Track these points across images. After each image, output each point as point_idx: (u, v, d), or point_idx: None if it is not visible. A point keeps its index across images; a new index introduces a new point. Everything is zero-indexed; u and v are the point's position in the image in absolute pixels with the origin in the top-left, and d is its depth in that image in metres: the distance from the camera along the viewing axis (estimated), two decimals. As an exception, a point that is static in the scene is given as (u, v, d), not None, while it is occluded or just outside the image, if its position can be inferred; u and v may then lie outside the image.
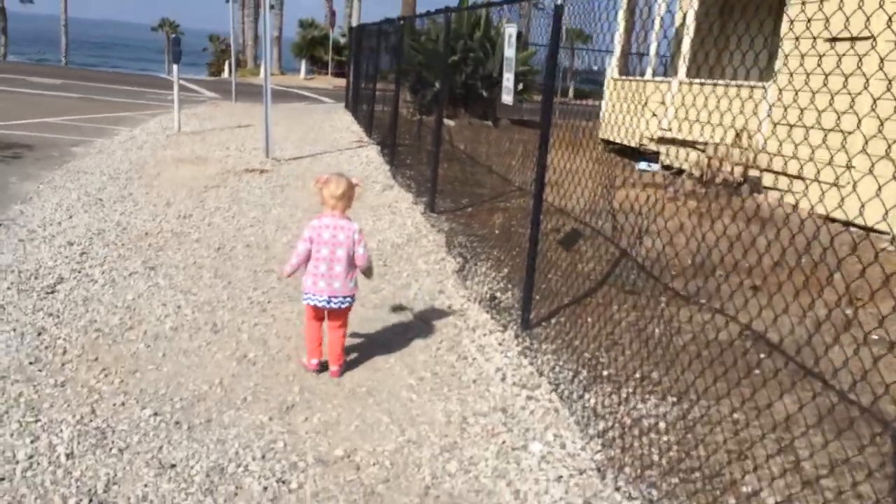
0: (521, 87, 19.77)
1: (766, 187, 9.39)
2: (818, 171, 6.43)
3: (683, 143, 11.15)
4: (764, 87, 9.78)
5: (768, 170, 9.22)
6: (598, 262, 6.28)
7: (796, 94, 7.70)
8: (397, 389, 3.96)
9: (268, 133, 10.79)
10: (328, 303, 3.90)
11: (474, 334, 4.75)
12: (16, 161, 9.83)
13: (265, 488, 3.01)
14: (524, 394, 3.95)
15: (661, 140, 12.14)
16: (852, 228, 6.93)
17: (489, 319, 5.01)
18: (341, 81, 31.11)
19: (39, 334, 4.43)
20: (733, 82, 9.89)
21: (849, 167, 7.28)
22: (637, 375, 4.20)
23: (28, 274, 5.48)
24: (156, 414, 3.56)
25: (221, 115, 16.59)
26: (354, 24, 33.17)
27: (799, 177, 8.02)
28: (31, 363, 4.05)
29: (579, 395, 3.95)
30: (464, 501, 3.01)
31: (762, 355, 4.54)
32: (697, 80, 10.97)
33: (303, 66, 39.90)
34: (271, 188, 8.86)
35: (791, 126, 7.75)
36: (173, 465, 3.14)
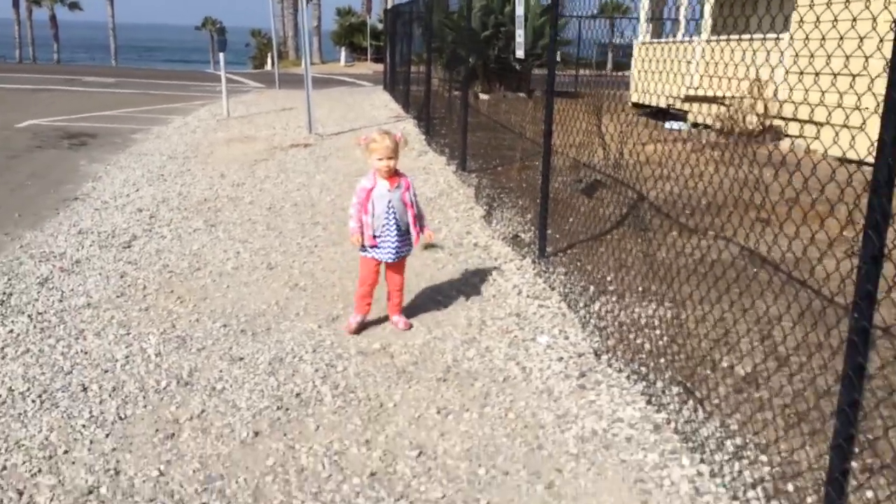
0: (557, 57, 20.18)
1: (787, 135, 9.75)
2: (829, 115, 6.82)
3: (709, 100, 11.52)
4: (779, 38, 10.08)
5: (786, 118, 9.58)
6: (616, 207, 6.80)
7: (805, 39, 8.02)
8: (426, 303, 4.60)
9: (310, 111, 11.50)
10: None
11: (496, 262, 5.37)
12: (83, 147, 10.73)
13: (316, 370, 3.68)
14: (536, 303, 4.56)
15: (689, 98, 12.50)
16: (865, 168, 7.29)
17: (510, 252, 5.61)
18: (381, 66, 31.78)
19: (122, 276, 5.18)
20: (752, 36, 10.25)
21: (857, 108, 7.62)
22: (640, 289, 4.75)
23: (106, 234, 6.26)
24: (225, 325, 4.26)
25: (266, 101, 17.42)
26: (390, 6, 33.76)
27: (811, 121, 8.37)
28: (117, 297, 4.79)
29: (585, 304, 4.53)
30: (479, 375, 3.64)
31: (755, 269, 5.05)
32: (719, 38, 11.32)
33: (342, 53, 40.72)
34: (315, 159, 9.57)
35: (801, 73, 8.09)
36: (241, 358, 3.83)
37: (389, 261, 4.08)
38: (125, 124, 13.26)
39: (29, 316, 4.46)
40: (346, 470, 2.88)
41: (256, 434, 3.13)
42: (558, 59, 19.24)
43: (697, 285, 4.55)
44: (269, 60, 38.63)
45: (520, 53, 5.95)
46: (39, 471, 2.89)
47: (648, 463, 2.90)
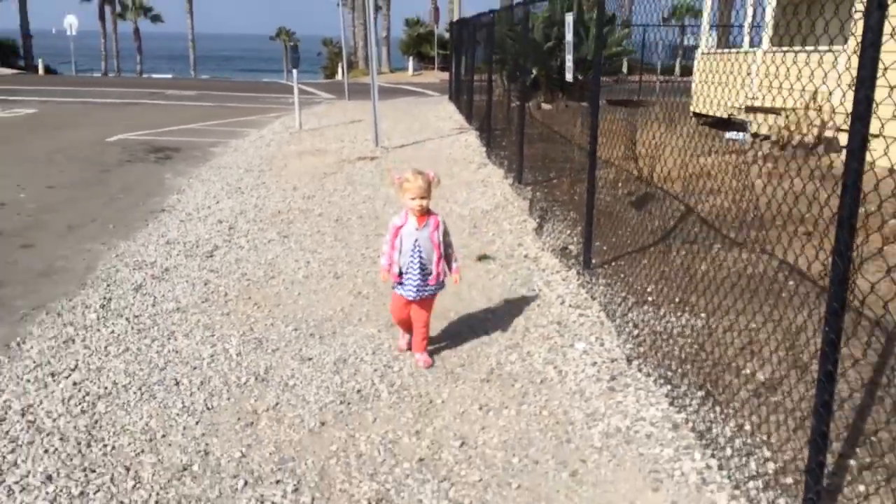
0: (625, 68, 20.51)
1: (843, 147, 9.83)
2: (882, 127, 6.98)
3: (769, 111, 11.63)
4: (839, 50, 10.15)
5: (844, 129, 9.67)
6: (664, 219, 7.11)
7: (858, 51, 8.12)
8: (475, 311, 5.04)
9: (376, 125, 12.09)
10: None
11: (543, 273, 5.77)
12: (168, 161, 11.56)
13: (375, 370, 4.17)
14: (577, 312, 4.94)
15: (749, 109, 12.60)
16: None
17: (558, 263, 6.01)
18: (447, 75, 32.37)
19: (206, 284, 5.78)
20: (810, 48, 10.35)
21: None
22: (677, 300, 5.08)
23: (191, 244, 6.90)
24: (296, 329, 4.79)
25: (336, 113, 18.16)
26: (456, 18, 34.39)
27: (879, 134, 8.47)
28: (202, 302, 5.38)
29: (623, 313, 4.90)
30: (519, 377, 4.06)
31: (791, 282, 5.31)
32: (778, 49, 11.45)
33: (410, 63, 41.51)
34: (380, 172, 10.13)
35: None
36: (310, 359, 4.35)
37: (411, 298, 4.12)
38: (205, 138, 14.11)
39: (126, 319, 5.08)
40: (399, 456, 3.34)
41: (322, 424, 3.62)
42: (624, 69, 19.43)
43: (728, 296, 4.87)
44: (339, 70, 39.75)
45: (569, 77, 6.36)
46: (142, 451, 3.44)
47: (664, 457, 3.27)
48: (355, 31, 47.97)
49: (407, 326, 4.35)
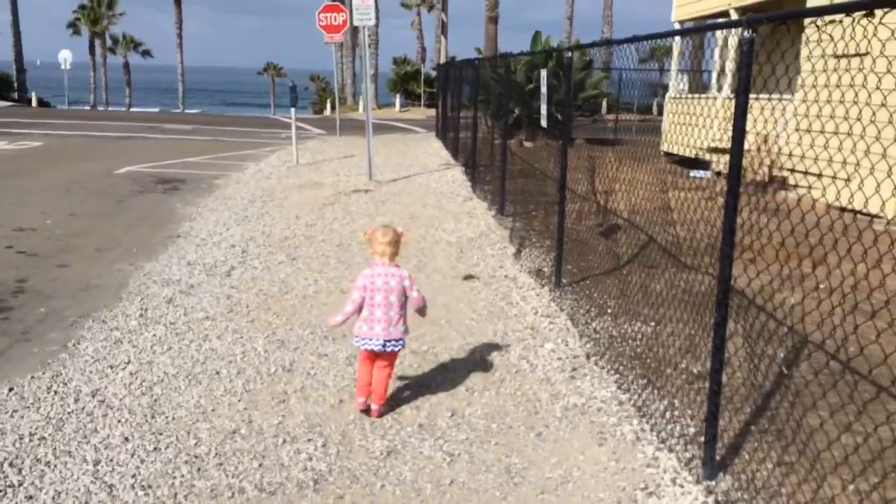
0: (604, 109, 21.85)
1: (792, 185, 10.93)
2: (835, 172, 8.04)
3: (729, 152, 12.76)
4: (788, 99, 11.30)
5: (792, 170, 10.78)
6: (629, 247, 8.11)
7: (807, 104, 9.32)
8: (463, 319, 5.98)
9: (370, 160, 13.09)
10: (384, 347, 4.22)
11: (520, 290, 6.73)
12: (176, 192, 12.47)
13: (381, 362, 5.09)
14: (548, 320, 5.90)
15: (712, 150, 13.73)
16: (860, 216, 8.45)
17: (533, 282, 6.97)
18: (433, 111, 33.59)
19: (228, 298, 6.68)
20: (764, 96, 11.51)
21: (856, 166, 8.79)
22: (632, 311, 6.05)
23: (210, 265, 7.80)
24: (312, 333, 5.71)
25: (329, 148, 19.17)
26: (443, 58, 35.75)
27: (818, 174, 9.56)
28: (228, 312, 6.28)
29: (586, 322, 5.85)
30: (498, 368, 5.00)
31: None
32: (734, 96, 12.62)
33: (397, 99, 42.79)
34: (375, 203, 11.10)
35: (807, 131, 9.32)
36: (326, 355, 5.26)
37: None
38: (207, 171, 15.04)
39: (164, 325, 5.96)
40: (403, 423, 4.25)
41: (341, 401, 4.53)
42: (603, 108, 20.77)
43: (675, 309, 5.84)
44: (328, 106, 40.98)
45: (543, 123, 7.37)
46: (198, 420, 4.33)
47: (609, 423, 4.21)
48: (343, 68, 49.26)
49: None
